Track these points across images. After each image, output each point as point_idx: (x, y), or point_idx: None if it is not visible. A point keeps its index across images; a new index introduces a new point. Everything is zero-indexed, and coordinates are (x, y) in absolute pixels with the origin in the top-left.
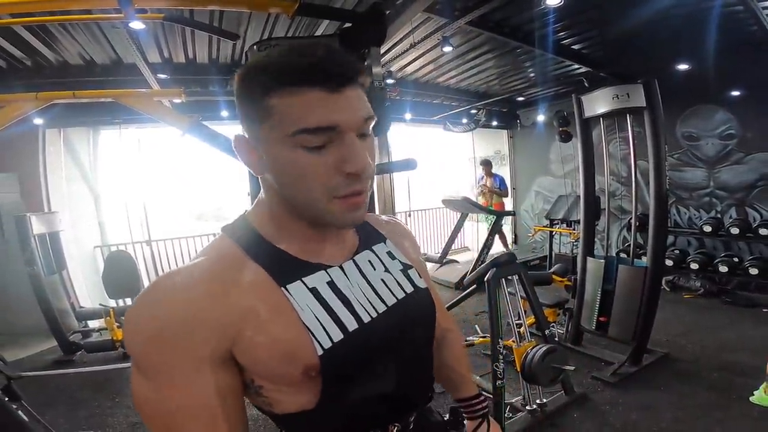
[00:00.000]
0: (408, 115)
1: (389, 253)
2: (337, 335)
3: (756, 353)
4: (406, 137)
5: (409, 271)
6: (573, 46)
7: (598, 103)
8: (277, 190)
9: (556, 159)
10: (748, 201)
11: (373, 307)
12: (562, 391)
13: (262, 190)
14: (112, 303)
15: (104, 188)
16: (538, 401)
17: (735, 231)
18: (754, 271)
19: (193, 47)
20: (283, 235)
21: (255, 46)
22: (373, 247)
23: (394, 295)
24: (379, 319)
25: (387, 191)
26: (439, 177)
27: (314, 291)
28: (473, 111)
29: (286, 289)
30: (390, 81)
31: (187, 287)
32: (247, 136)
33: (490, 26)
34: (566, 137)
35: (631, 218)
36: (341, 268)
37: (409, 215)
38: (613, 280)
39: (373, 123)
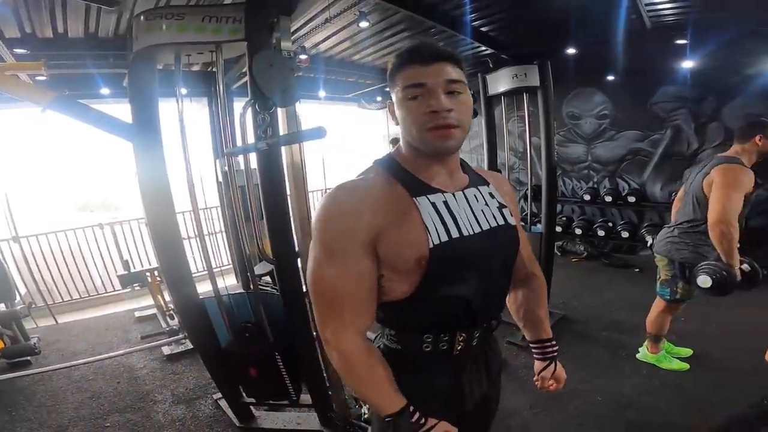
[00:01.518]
0: (322, 93)
1: (490, 194)
2: (444, 236)
3: (633, 311)
4: (320, 115)
5: (503, 210)
6: (482, 28)
7: (500, 82)
8: (403, 132)
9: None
10: (618, 172)
11: (472, 227)
12: None
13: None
14: None
15: None
16: None
17: (608, 199)
18: (625, 235)
19: (65, 20)
20: (413, 165)
21: (142, 16)
22: (479, 187)
23: (488, 222)
24: (475, 236)
25: (297, 167)
26: (355, 155)
27: (434, 204)
28: (388, 89)
29: (416, 200)
30: (303, 56)
31: (355, 193)
32: (391, 101)
33: (408, 4)
34: (473, 114)
35: (527, 189)
36: (453, 195)
37: (323, 194)
38: None
39: (459, 86)
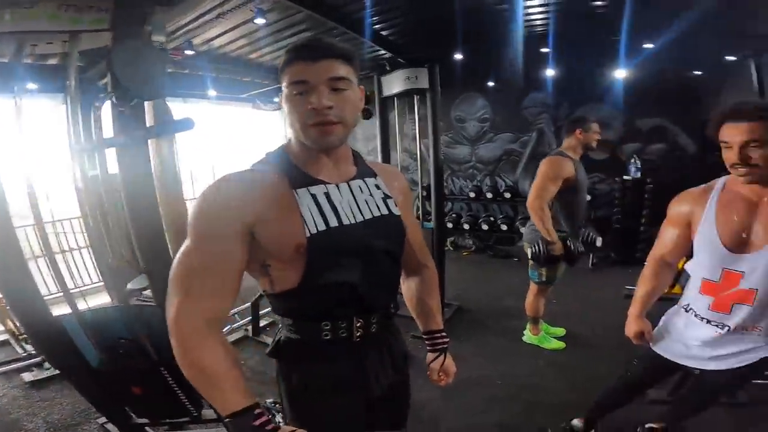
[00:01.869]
0: (212, 92)
1: (376, 185)
2: (322, 226)
3: (518, 297)
4: (212, 116)
5: (387, 200)
6: (382, 32)
7: (394, 83)
8: (290, 127)
9: (362, 137)
10: (497, 171)
11: (354, 216)
12: None
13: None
14: None
15: None
16: None
17: (489, 195)
18: (504, 228)
19: None
20: (300, 157)
21: None
22: (365, 179)
23: (371, 212)
24: (356, 225)
25: (169, 168)
26: (251, 158)
27: (314, 196)
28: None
29: (296, 192)
30: (189, 52)
31: (234, 183)
32: (281, 94)
33: (308, 3)
34: (367, 115)
35: (420, 189)
36: (337, 186)
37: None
38: None
39: (344, 82)
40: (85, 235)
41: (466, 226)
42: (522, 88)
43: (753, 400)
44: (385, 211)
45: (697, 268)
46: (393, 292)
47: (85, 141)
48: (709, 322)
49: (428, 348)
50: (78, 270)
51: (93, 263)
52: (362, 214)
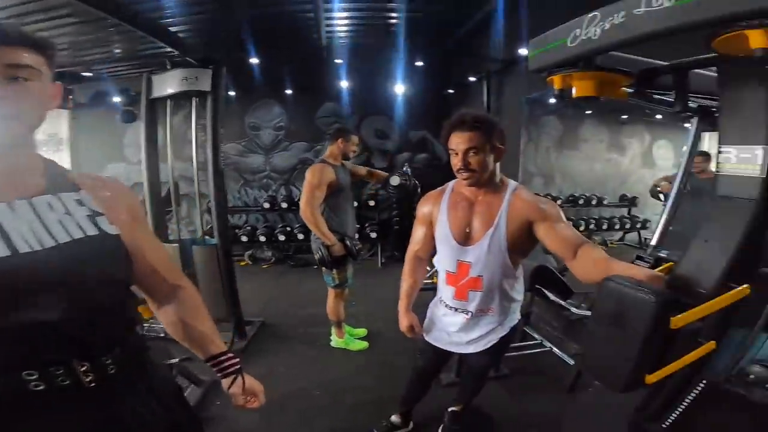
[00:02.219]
0: None
1: (78, 201)
2: None
3: (321, 304)
4: None
5: (97, 218)
6: (169, 27)
7: (168, 83)
8: None
9: (130, 143)
10: (292, 180)
11: (38, 242)
12: (192, 384)
13: None
14: None
15: None
16: None
17: (284, 205)
18: (301, 237)
19: None
20: None
21: None
22: (60, 194)
23: (69, 234)
24: (42, 253)
25: None
26: None
27: None
28: None
29: None
30: None
31: None
32: None
33: None
34: (129, 117)
35: (209, 201)
36: (9, 205)
37: None
38: (191, 264)
39: (27, 71)
40: None
41: (263, 238)
42: (317, 98)
43: (514, 371)
44: (92, 232)
45: (440, 262)
46: (127, 324)
47: None
48: (456, 309)
49: (219, 375)
50: None
51: None
52: (54, 238)
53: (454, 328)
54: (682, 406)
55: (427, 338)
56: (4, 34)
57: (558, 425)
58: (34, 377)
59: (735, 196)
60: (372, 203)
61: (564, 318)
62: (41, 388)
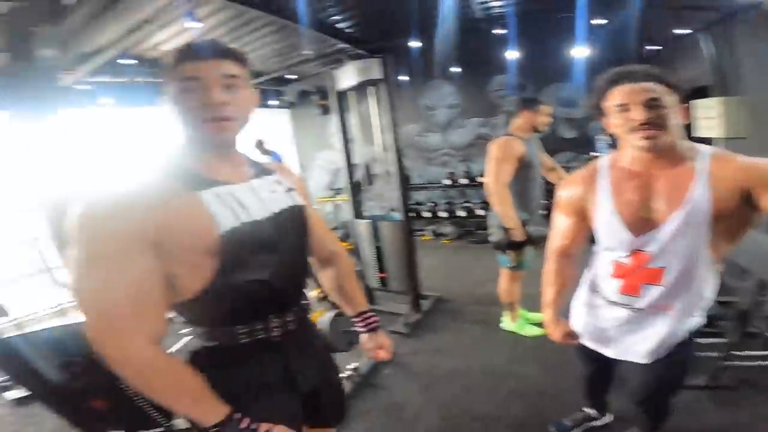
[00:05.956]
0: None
1: (277, 181)
2: (233, 222)
3: (495, 283)
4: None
5: (291, 192)
6: (338, 25)
7: (348, 76)
8: (183, 128)
9: (335, 132)
10: (470, 156)
11: (262, 212)
12: None
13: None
14: None
15: None
16: (349, 366)
17: (464, 181)
18: (481, 212)
19: None
20: (194, 161)
21: None
22: (264, 176)
23: (278, 206)
24: (265, 220)
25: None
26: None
27: (218, 195)
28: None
29: (198, 193)
30: (127, 61)
31: (123, 193)
32: (166, 95)
33: (255, 3)
34: (325, 110)
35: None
36: (240, 186)
37: None
38: (380, 238)
39: (237, 80)
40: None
41: (444, 214)
42: (487, 72)
43: (739, 383)
44: (290, 203)
45: (603, 253)
46: (304, 287)
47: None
48: (620, 305)
49: (362, 330)
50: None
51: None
52: (269, 209)
53: (614, 323)
54: None
55: (582, 341)
56: (219, 50)
57: None
58: (244, 331)
59: None
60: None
61: None
62: (246, 340)
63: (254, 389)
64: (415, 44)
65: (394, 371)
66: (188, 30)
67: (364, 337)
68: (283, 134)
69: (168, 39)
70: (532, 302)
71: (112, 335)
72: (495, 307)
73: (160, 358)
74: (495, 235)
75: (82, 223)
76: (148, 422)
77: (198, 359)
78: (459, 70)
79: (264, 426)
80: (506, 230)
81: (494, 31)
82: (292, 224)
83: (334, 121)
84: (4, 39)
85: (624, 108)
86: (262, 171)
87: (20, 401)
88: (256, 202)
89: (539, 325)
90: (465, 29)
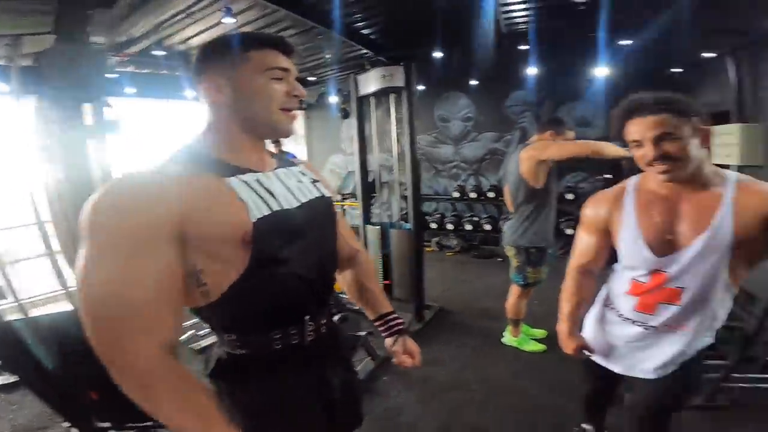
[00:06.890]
0: (189, 93)
1: (302, 172)
2: (266, 210)
3: (498, 298)
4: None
5: (317, 184)
6: (362, 30)
7: (371, 82)
8: (235, 113)
9: (345, 137)
10: (480, 170)
11: (290, 202)
12: (369, 357)
13: (209, 121)
14: None
15: None
16: None
17: (473, 195)
18: (488, 227)
19: None
20: (223, 149)
21: None
22: (290, 168)
23: (306, 195)
24: (296, 209)
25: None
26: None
27: (247, 183)
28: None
29: (227, 180)
30: (159, 52)
31: (148, 181)
32: (214, 80)
33: (287, 3)
34: (345, 114)
35: (406, 189)
36: (266, 174)
37: None
38: (389, 245)
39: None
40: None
41: (450, 226)
42: (504, 87)
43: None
44: (318, 194)
45: (624, 271)
46: (334, 283)
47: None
48: (633, 322)
49: (384, 333)
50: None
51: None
52: (297, 199)
53: (625, 339)
54: None
55: (593, 357)
56: (286, 44)
57: None
58: (278, 336)
59: None
60: (571, 197)
61: None
62: (279, 346)
63: (285, 401)
64: (434, 54)
65: (393, 378)
66: (221, 25)
67: (388, 341)
68: (296, 136)
69: (198, 33)
70: (536, 318)
71: (119, 335)
72: (496, 321)
73: (170, 368)
74: (515, 257)
75: (102, 211)
76: (137, 416)
77: (222, 369)
78: (476, 83)
79: None
80: (527, 250)
81: (519, 47)
82: (322, 215)
83: (350, 125)
84: (50, 21)
85: (638, 144)
86: (285, 163)
87: (2, 388)
88: (285, 191)
89: (540, 341)
90: (488, 44)
